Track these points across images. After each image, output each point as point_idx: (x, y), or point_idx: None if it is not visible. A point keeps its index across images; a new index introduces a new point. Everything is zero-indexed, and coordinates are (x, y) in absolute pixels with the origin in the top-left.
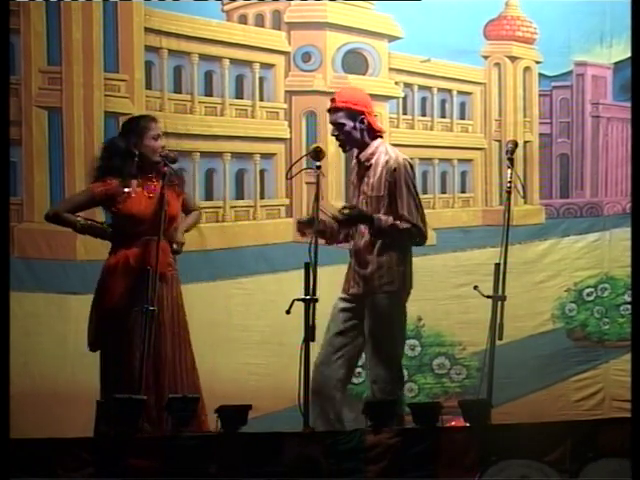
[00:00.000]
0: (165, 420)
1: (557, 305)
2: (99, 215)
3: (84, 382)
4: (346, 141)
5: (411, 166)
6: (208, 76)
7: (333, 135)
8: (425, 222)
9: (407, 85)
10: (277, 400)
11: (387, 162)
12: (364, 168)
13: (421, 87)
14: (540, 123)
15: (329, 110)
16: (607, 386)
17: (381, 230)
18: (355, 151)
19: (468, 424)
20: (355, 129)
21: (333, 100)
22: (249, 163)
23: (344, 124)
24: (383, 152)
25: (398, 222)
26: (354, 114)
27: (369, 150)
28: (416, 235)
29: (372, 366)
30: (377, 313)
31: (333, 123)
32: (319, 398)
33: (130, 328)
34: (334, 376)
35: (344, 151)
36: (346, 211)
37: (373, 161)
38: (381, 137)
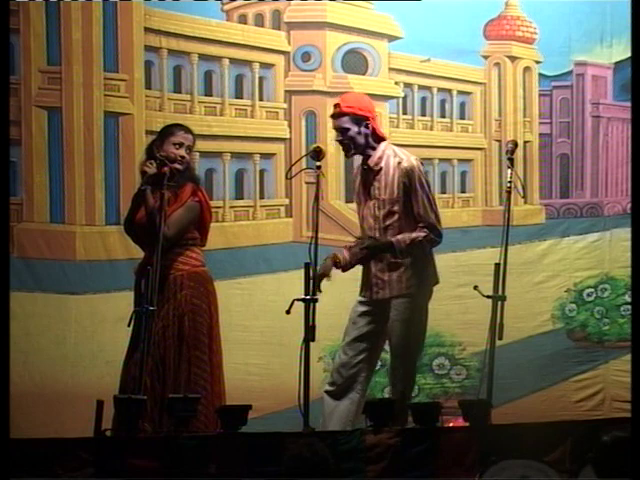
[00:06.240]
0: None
1: (557, 305)
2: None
3: (84, 382)
4: (350, 146)
5: (422, 165)
6: (208, 76)
7: (337, 140)
8: (440, 220)
9: (407, 85)
10: (277, 400)
11: (399, 163)
12: (373, 173)
13: (421, 87)
14: (540, 123)
15: (333, 115)
16: (607, 387)
17: (402, 250)
18: (358, 158)
19: (468, 424)
20: (359, 134)
21: (337, 105)
22: (249, 163)
23: (348, 129)
24: (391, 154)
25: (415, 234)
26: (359, 119)
27: (377, 154)
28: (435, 237)
29: (396, 367)
30: (404, 316)
31: (337, 128)
32: (339, 401)
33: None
34: (355, 379)
35: (347, 156)
36: (363, 245)
37: (382, 164)
38: (385, 140)
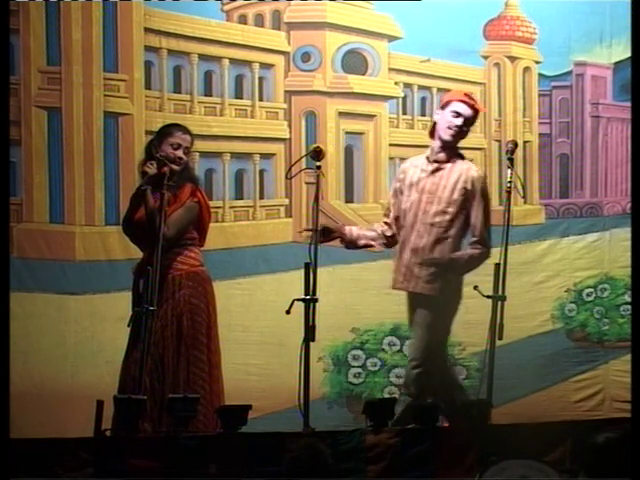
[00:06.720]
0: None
1: (557, 305)
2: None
3: (84, 382)
4: (460, 136)
5: (485, 178)
6: (207, 76)
7: (456, 123)
8: (490, 237)
9: (407, 85)
10: (277, 400)
11: (468, 169)
12: (437, 169)
13: (421, 87)
14: (540, 123)
15: (467, 104)
16: (607, 387)
17: (461, 267)
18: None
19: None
20: (468, 131)
21: (474, 100)
22: (248, 163)
23: (471, 124)
24: (460, 161)
25: (470, 251)
26: (474, 121)
27: (448, 153)
28: (487, 254)
29: (410, 369)
30: (426, 320)
31: (466, 117)
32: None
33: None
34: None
35: (451, 140)
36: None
37: (450, 164)
38: None
